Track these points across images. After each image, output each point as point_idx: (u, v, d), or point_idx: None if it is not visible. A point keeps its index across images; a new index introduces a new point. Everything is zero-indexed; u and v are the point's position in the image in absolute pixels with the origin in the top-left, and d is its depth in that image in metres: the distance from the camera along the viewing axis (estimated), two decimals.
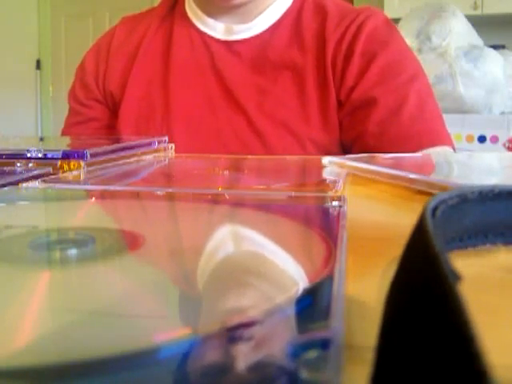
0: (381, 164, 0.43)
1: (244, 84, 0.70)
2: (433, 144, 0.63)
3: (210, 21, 0.73)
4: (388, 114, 0.65)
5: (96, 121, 0.77)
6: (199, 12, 0.74)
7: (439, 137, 0.65)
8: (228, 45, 0.72)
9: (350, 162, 0.42)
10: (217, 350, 0.11)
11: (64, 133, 0.80)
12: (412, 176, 0.35)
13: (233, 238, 0.23)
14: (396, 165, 0.46)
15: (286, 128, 0.67)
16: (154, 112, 0.72)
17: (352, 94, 0.66)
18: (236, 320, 0.12)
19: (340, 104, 0.67)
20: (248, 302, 0.14)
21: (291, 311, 0.13)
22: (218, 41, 0.73)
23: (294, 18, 0.72)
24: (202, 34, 0.74)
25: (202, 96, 0.71)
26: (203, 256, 0.19)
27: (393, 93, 0.65)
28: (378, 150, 0.62)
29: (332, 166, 0.44)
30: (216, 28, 0.73)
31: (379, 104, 0.65)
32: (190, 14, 0.76)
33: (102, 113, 0.77)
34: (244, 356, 0.10)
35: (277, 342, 0.11)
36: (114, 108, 0.76)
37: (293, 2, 0.73)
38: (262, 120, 0.68)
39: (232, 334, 0.12)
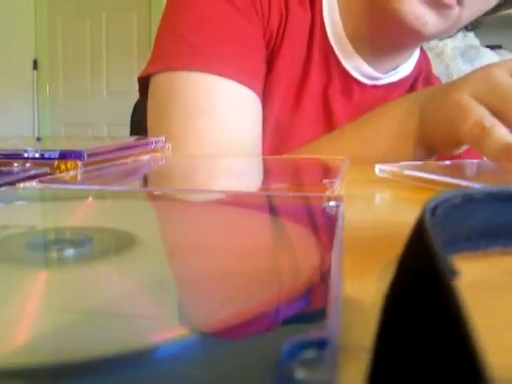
0: (435, 172, 0.41)
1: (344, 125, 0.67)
2: None
3: (356, 57, 0.69)
4: None
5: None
6: (348, 44, 0.68)
7: None
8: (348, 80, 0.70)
9: (404, 170, 0.41)
10: (214, 350, 0.11)
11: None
12: (470, 184, 0.35)
13: (231, 239, 0.23)
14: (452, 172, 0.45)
15: None
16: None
17: None
18: (231, 320, 0.12)
19: None
20: (241, 303, 0.14)
21: (285, 312, 0.13)
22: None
23: (409, 85, 0.72)
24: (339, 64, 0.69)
25: (308, 116, 0.68)
26: (201, 256, 0.19)
27: None
28: None
29: (383, 174, 0.42)
30: (359, 67, 0.69)
31: None
32: (331, 40, 0.69)
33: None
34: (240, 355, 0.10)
35: (271, 343, 0.11)
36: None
37: (412, 70, 0.73)
38: None
39: (229, 334, 0.12)
